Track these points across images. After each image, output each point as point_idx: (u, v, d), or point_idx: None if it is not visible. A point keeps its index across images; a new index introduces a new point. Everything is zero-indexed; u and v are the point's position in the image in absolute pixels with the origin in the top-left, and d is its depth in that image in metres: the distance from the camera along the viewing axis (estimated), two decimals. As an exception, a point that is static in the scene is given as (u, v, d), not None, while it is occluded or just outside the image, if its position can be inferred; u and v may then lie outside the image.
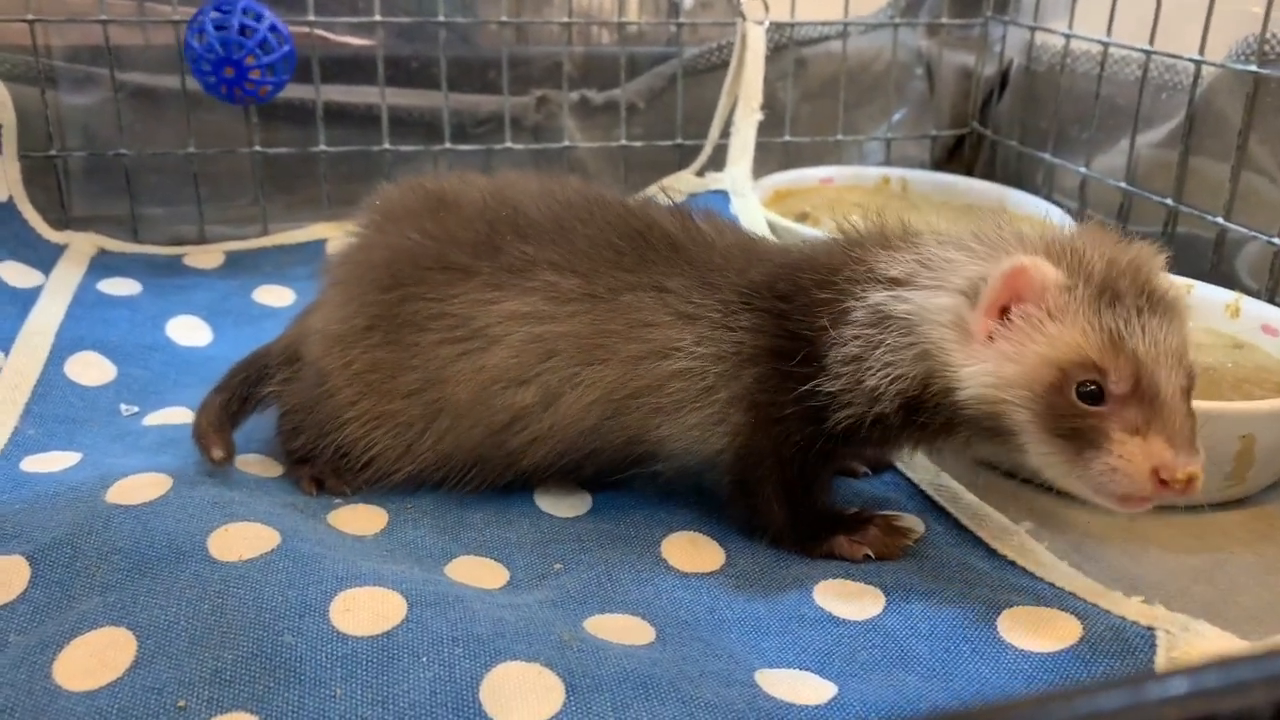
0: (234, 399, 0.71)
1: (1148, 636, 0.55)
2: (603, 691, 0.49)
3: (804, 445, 0.61)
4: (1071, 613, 0.58)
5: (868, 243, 0.63)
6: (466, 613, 0.54)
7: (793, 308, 0.62)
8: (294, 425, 0.70)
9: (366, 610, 0.54)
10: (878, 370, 0.58)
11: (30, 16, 1.01)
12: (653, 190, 1.11)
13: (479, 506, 0.68)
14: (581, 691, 0.49)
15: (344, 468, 0.68)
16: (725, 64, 1.16)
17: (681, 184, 1.11)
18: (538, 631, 0.54)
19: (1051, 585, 0.61)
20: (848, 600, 0.60)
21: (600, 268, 0.65)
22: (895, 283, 0.59)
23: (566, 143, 1.17)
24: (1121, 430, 0.53)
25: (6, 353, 0.81)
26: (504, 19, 1.13)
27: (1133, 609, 0.57)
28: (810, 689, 0.52)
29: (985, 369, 0.56)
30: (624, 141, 1.18)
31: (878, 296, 0.59)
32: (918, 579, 0.61)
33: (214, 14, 1.00)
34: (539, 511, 0.68)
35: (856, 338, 0.59)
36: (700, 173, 1.12)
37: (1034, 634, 0.56)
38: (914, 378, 0.58)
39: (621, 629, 0.56)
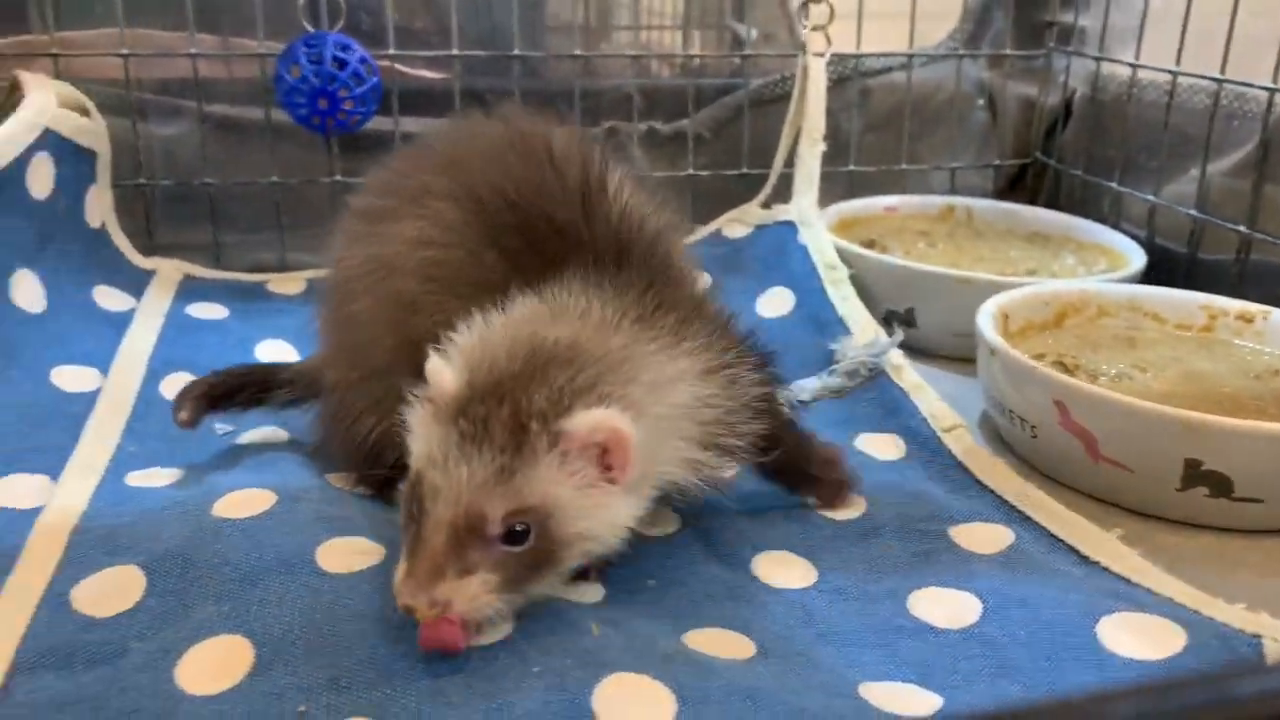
0: (225, 383, 0.76)
1: (1255, 644, 0.55)
2: (712, 703, 0.50)
3: None
4: (1173, 620, 0.57)
5: None
6: (570, 625, 0.55)
7: None
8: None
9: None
10: None
11: (124, 51, 1.04)
12: (721, 223, 1.13)
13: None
14: (692, 703, 0.50)
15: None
16: (789, 95, 1.18)
17: (748, 216, 1.12)
18: (641, 645, 0.55)
19: (1150, 591, 0.60)
20: (943, 609, 0.60)
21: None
22: None
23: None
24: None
25: (105, 373, 0.83)
26: (576, 52, 1.16)
27: (1237, 616, 0.57)
28: (915, 701, 0.52)
29: None
30: (691, 171, 1.19)
31: None
32: (1011, 587, 0.62)
33: (305, 48, 1.03)
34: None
35: None
36: (767, 204, 1.13)
37: (1137, 641, 0.56)
38: None
39: (721, 643, 0.57)
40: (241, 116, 1.11)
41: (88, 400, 0.80)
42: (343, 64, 1.04)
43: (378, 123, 1.11)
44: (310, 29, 1.06)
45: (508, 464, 0.51)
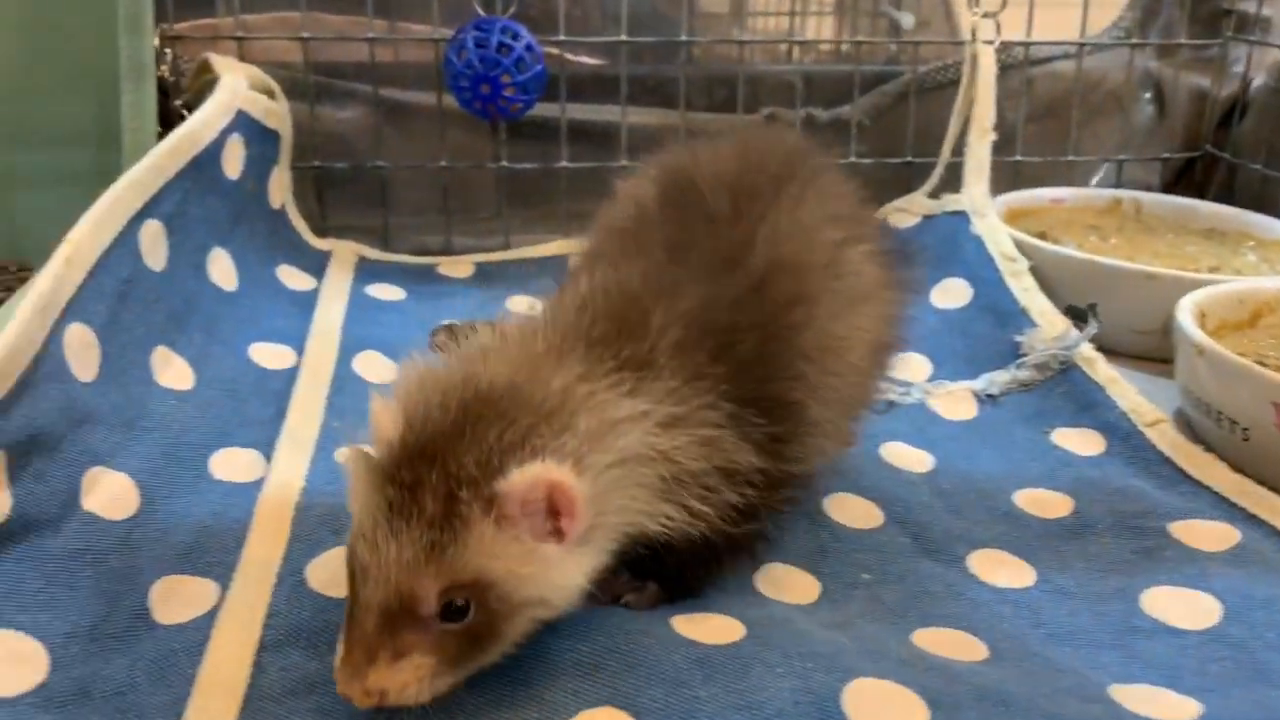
0: None
1: None
2: (965, 710, 0.49)
3: None
4: None
5: None
6: (799, 631, 0.55)
7: None
8: None
9: (705, 624, 0.55)
10: None
11: (304, 35, 1.06)
12: (885, 213, 1.11)
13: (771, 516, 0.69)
14: (945, 709, 0.49)
15: None
16: (952, 83, 1.15)
17: (915, 205, 1.10)
18: (874, 647, 0.54)
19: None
20: (1179, 609, 0.58)
21: None
22: None
23: (796, 160, 1.17)
24: None
25: (300, 351, 0.85)
26: (745, 38, 1.15)
27: None
28: (1172, 705, 0.51)
29: None
30: (853, 159, 1.18)
31: None
32: (1250, 587, 0.60)
33: (474, 32, 1.04)
34: (833, 522, 0.68)
35: None
36: (934, 194, 1.11)
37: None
38: None
39: (951, 644, 0.56)
40: (412, 101, 1.13)
41: (286, 377, 0.81)
42: (508, 50, 1.05)
43: (545, 109, 1.11)
44: (482, 14, 1.06)
45: (438, 538, 0.46)
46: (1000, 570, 0.64)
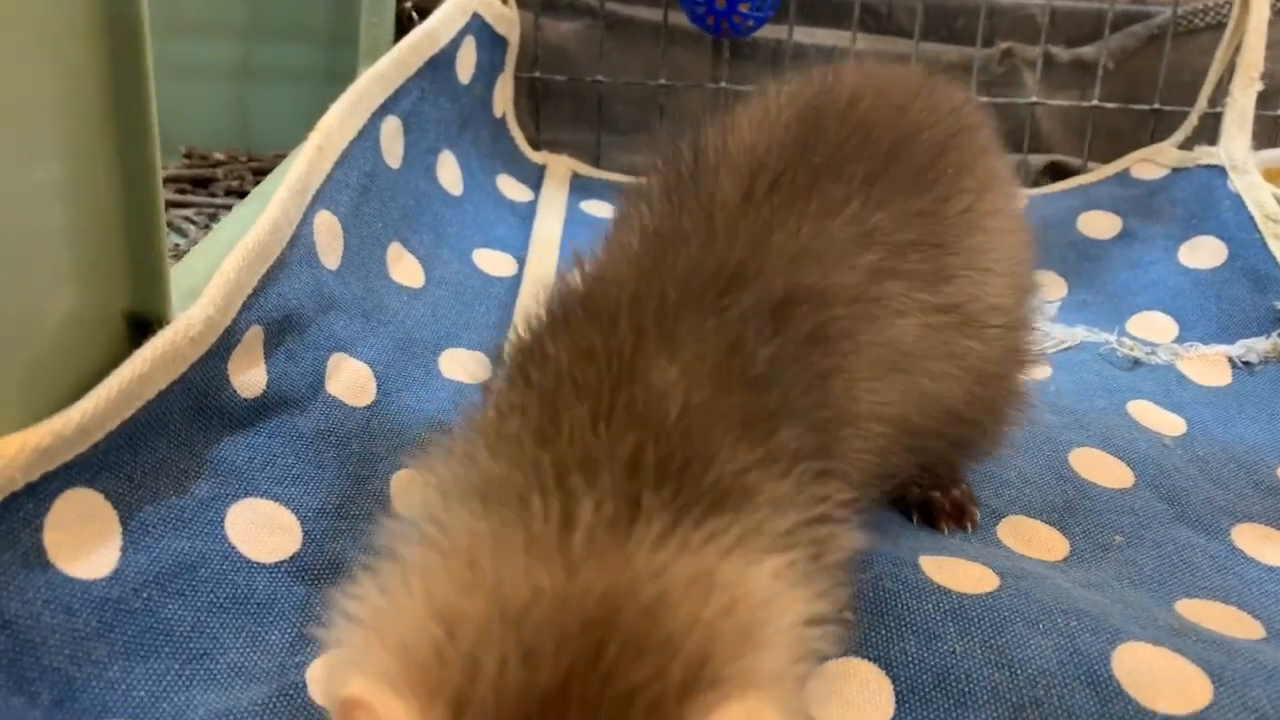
0: None
1: None
2: (1252, 687, 0.45)
3: None
4: None
5: None
6: (1058, 587, 0.51)
7: None
8: None
9: (957, 572, 0.52)
10: None
11: (536, -57, 1.05)
12: (1129, 162, 1.03)
13: (1009, 462, 0.65)
14: (1229, 685, 0.45)
15: None
16: (1210, 27, 1.06)
17: (1163, 156, 1.02)
18: (1139, 614, 0.50)
19: None
20: None
21: None
22: None
23: (1033, 99, 1.10)
24: None
25: (520, 261, 0.85)
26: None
27: None
28: None
29: None
30: (1096, 102, 1.10)
31: None
32: None
33: (712, -53, 1.01)
34: (1080, 478, 0.64)
35: None
36: (1186, 145, 1.03)
37: None
38: None
39: (1223, 619, 0.52)
40: (636, 16, 1.10)
41: (509, 285, 0.81)
42: (746, -36, 1.01)
43: (770, 31, 1.07)
44: (719, -73, 1.03)
45: None
46: (1266, 547, 0.58)
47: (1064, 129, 1.15)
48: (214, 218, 0.89)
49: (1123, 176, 1.03)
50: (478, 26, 0.93)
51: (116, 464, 0.45)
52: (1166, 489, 0.63)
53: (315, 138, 0.68)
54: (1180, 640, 0.47)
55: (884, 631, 0.48)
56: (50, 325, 0.43)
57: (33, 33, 0.41)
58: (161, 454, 0.47)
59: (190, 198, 0.92)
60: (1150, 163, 1.02)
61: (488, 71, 0.97)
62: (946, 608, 0.48)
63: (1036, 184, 1.10)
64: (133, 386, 0.44)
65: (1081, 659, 0.46)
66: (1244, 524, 0.60)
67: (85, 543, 0.43)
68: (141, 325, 0.49)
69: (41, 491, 0.41)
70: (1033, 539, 0.58)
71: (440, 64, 0.87)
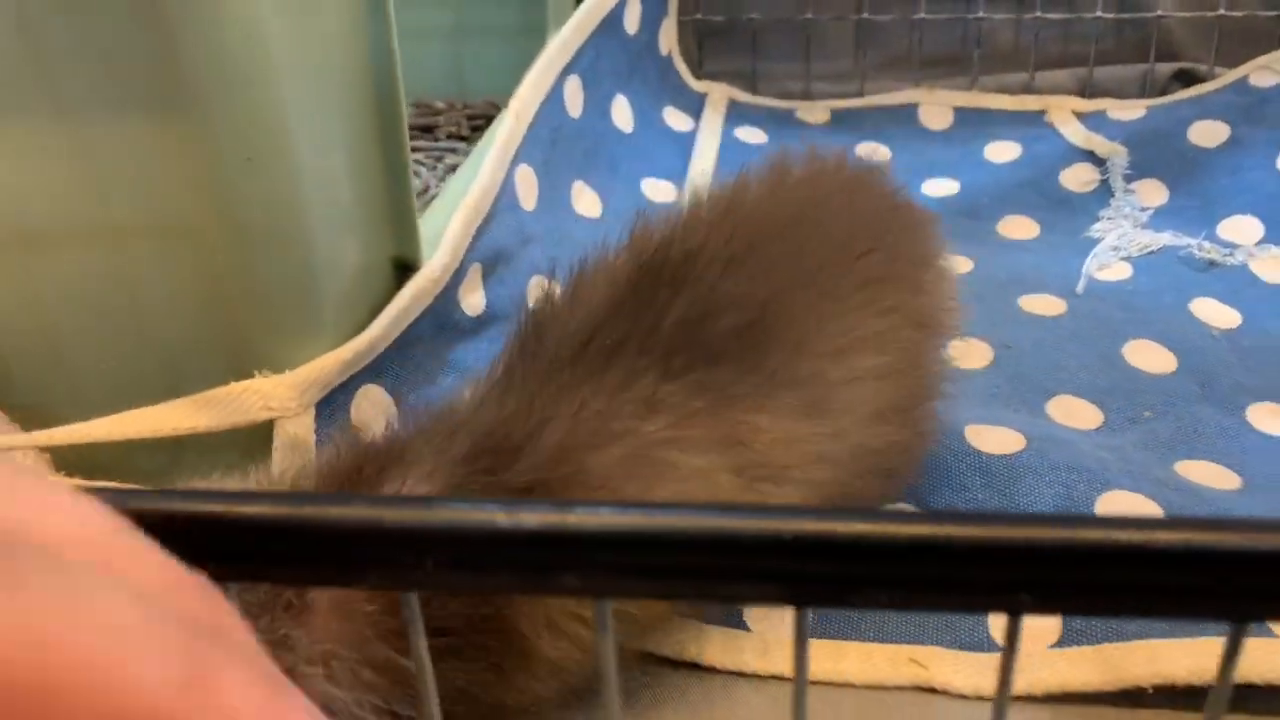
0: None
1: None
2: None
3: None
4: None
5: None
6: (1075, 449, 0.67)
7: None
8: None
9: (991, 437, 0.68)
10: None
11: (694, -101, 1.20)
12: (1248, 69, 1.10)
13: (1072, 353, 0.79)
14: None
15: None
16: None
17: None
18: (1135, 469, 0.65)
19: None
20: None
21: None
22: None
23: (1159, 13, 1.18)
24: None
25: (680, 186, 1.03)
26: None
27: None
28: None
29: None
30: (1222, 11, 1.17)
31: None
32: None
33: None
34: (1129, 365, 0.78)
35: None
36: (1307, 51, 1.09)
37: None
38: None
39: (1207, 474, 0.66)
40: (785, -44, 1.24)
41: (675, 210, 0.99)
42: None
43: (907, -39, 1.19)
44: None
45: None
46: (1273, 420, 0.71)
47: (1196, 36, 1.21)
48: (439, 159, 1.11)
49: (1240, 84, 1.09)
50: (640, -17, 1.10)
51: (391, 368, 0.66)
52: (1202, 373, 0.76)
53: (514, 105, 0.88)
54: (1158, 489, 0.62)
55: (926, 484, 0.65)
56: (346, 271, 0.65)
57: (328, 58, 0.60)
58: (419, 359, 0.69)
59: (419, 143, 1.14)
60: (1268, 70, 1.09)
61: (653, 20, 1.14)
62: (975, 465, 0.65)
63: (1165, 91, 1.18)
64: (399, 315, 0.65)
65: (1070, 504, 0.62)
66: (1261, 403, 0.73)
67: (374, 420, 0.65)
68: (402, 267, 0.70)
69: (348, 387, 0.63)
70: (1073, 412, 0.73)
71: (611, 22, 1.04)
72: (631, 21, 1.09)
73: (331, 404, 0.60)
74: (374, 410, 0.64)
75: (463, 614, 0.40)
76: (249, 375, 0.55)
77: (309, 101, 0.57)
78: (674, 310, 0.49)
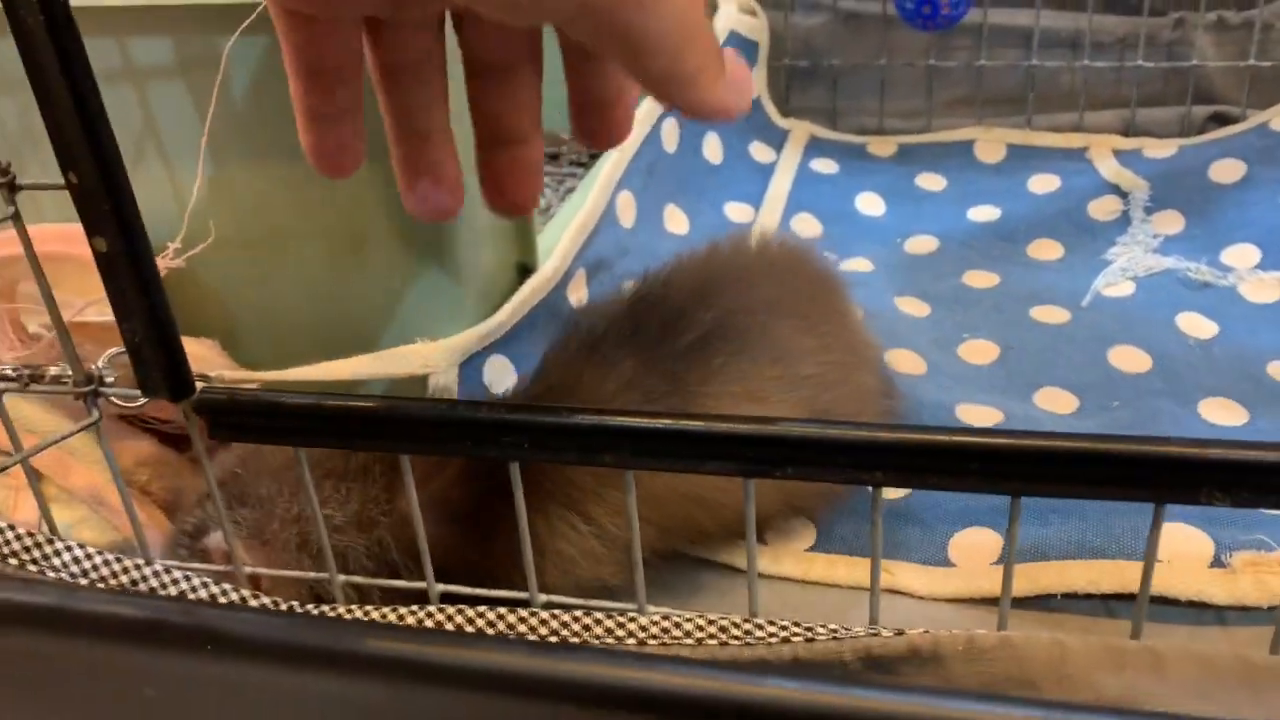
0: None
1: None
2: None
3: None
4: None
5: None
6: (1042, 425, 0.84)
7: None
8: None
9: (977, 414, 0.86)
10: None
11: (783, -37, 1.40)
12: (1270, 115, 1.24)
13: (1065, 354, 0.96)
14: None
15: None
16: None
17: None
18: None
19: None
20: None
21: None
22: None
23: (1194, 61, 1.32)
24: None
25: (757, 209, 1.23)
26: (1153, -47, 1.31)
27: None
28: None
29: None
30: (1252, 61, 1.30)
31: None
32: None
33: (921, -39, 1.31)
34: (1111, 366, 0.94)
35: None
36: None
37: None
38: None
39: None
40: (863, 10, 1.42)
41: (747, 228, 1.19)
42: (950, -21, 1.31)
43: (969, 15, 1.36)
44: (925, -59, 1.32)
45: None
46: (1220, 413, 0.87)
47: (1233, 82, 1.35)
48: (561, 183, 1.33)
49: (1262, 128, 1.23)
50: (733, 39, 1.30)
51: (513, 343, 0.87)
52: (1170, 374, 0.92)
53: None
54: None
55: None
56: (483, 271, 0.87)
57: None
58: (534, 338, 0.90)
59: (546, 168, 1.36)
60: (1287, 115, 1.23)
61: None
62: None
63: (1201, 131, 1.32)
64: (520, 305, 0.87)
65: None
66: (1213, 398, 0.89)
67: (502, 383, 0.87)
68: (523, 269, 0.92)
69: (482, 355, 0.84)
70: (1054, 400, 0.90)
71: (705, 73, 1.25)
72: (724, 69, 1.29)
73: (470, 365, 0.81)
74: (500, 374, 0.86)
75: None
76: (412, 341, 0.77)
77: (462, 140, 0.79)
78: (653, 325, 0.68)
